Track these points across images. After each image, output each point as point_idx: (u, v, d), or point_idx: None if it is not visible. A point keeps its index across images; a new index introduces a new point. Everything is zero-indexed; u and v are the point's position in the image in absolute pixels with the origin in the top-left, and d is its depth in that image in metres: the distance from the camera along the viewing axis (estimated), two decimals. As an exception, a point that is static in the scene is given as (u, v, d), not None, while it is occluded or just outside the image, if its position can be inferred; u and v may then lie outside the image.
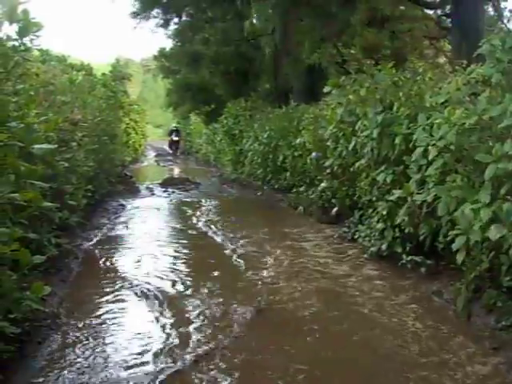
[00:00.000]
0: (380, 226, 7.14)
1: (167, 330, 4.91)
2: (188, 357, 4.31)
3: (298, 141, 11.97)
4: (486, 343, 4.48)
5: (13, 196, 3.66)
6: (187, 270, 7.15)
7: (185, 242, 8.93)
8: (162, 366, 4.18)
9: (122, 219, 10.71)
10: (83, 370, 4.05)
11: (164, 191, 15.66)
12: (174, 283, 6.37)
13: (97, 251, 7.83)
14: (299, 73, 19.14)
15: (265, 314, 5.39)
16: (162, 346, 4.53)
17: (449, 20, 16.81)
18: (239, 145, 18.62)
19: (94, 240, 8.50)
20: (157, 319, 5.20)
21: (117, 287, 6.19)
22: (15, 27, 4.40)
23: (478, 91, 5.38)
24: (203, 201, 13.63)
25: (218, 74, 22.79)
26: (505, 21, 19.37)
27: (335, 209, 9.81)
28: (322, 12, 16.15)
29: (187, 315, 5.32)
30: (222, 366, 4.18)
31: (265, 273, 6.78)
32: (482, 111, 4.78)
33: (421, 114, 6.08)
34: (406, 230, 6.39)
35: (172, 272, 6.87)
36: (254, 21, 19.70)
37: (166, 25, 23.53)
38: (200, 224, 10.28)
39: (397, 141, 6.69)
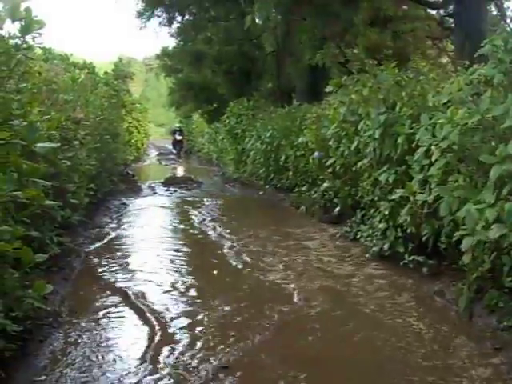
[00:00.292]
0: (382, 225, 7.13)
1: (171, 330, 4.92)
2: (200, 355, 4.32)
3: (300, 140, 11.96)
4: (488, 344, 4.47)
5: (15, 194, 3.67)
6: (190, 268, 7.17)
7: (186, 241, 8.94)
8: (164, 365, 4.19)
9: (123, 218, 10.72)
10: (85, 369, 4.05)
11: (166, 190, 15.67)
12: (176, 282, 6.38)
13: (100, 250, 7.84)
14: (302, 72, 19.12)
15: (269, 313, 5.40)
16: (164, 345, 4.53)
17: (452, 20, 16.81)
18: (241, 144, 18.61)
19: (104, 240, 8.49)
20: (161, 317, 5.20)
21: (120, 286, 6.21)
22: (17, 25, 4.40)
23: (481, 91, 5.37)
24: (205, 200, 13.62)
25: (221, 73, 22.77)
26: (508, 21, 19.37)
27: (337, 208, 9.81)
28: (325, 11, 16.11)
29: (191, 311, 5.34)
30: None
31: (268, 272, 6.77)
32: (484, 111, 4.78)
33: (423, 114, 6.08)
34: (408, 230, 6.39)
35: (175, 271, 6.89)
36: (257, 20, 19.66)
37: (169, 24, 23.49)
38: (202, 223, 10.28)
39: (399, 141, 6.69)
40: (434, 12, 19.37)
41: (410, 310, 5.42)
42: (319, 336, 4.88)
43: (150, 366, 4.12)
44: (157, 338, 4.69)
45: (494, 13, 19.19)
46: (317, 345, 4.71)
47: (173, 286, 6.24)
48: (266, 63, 22.46)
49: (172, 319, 5.17)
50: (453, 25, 15.80)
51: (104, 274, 6.69)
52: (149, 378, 3.95)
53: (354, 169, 8.45)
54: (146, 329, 4.91)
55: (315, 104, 12.81)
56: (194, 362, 4.20)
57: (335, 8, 15.88)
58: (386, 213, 6.92)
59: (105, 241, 8.44)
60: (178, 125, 35.80)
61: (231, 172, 19.89)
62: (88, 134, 8.97)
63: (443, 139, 5.20)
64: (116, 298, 5.75)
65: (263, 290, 6.14)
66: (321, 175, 10.56)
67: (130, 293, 5.89)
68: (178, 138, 33.52)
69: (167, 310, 5.44)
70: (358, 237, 8.11)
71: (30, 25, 4.38)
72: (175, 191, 15.47)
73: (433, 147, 5.42)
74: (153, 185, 16.60)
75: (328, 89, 9.26)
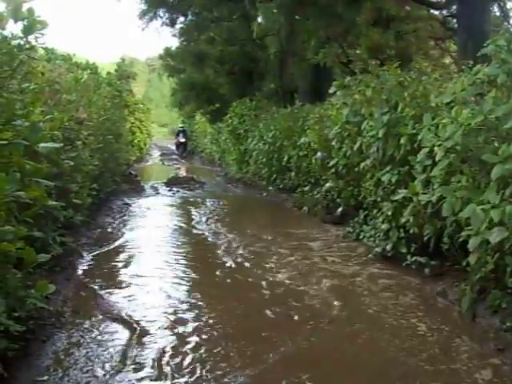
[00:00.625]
0: (385, 226, 7.13)
1: (175, 330, 4.92)
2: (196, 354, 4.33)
3: (302, 140, 11.96)
4: (491, 344, 4.47)
5: (18, 194, 3.66)
6: (193, 269, 7.16)
7: (190, 242, 8.95)
8: (166, 364, 4.19)
9: (126, 218, 10.73)
10: (88, 369, 4.05)
11: (169, 190, 15.68)
12: (179, 284, 6.39)
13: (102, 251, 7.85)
14: (304, 73, 19.10)
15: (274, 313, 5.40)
16: (167, 345, 4.54)
17: (454, 20, 16.78)
18: (244, 144, 18.63)
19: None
20: (164, 317, 5.20)
21: (123, 286, 6.22)
22: (20, 25, 4.40)
23: (484, 92, 5.37)
24: (208, 200, 13.63)
25: (224, 73, 22.79)
26: (511, 21, 19.33)
27: (340, 209, 9.81)
28: (328, 12, 16.11)
29: (193, 310, 5.35)
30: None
31: (276, 273, 6.78)
32: (488, 111, 4.77)
33: (426, 114, 6.07)
34: (411, 231, 6.38)
35: (179, 276, 6.87)
36: (260, 20, 19.65)
37: (171, 24, 23.51)
38: (205, 224, 10.28)
39: (402, 141, 6.69)
40: (436, 12, 19.35)
41: (412, 310, 5.41)
42: (328, 334, 4.91)
43: (150, 369, 4.13)
44: (161, 337, 4.70)
45: (497, 13, 19.16)
46: (324, 343, 4.71)
47: (177, 286, 6.27)
48: (269, 63, 22.45)
49: (174, 321, 5.17)
50: (455, 25, 15.75)
51: (107, 275, 6.70)
52: (149, 378, 3.96)
53: (356, 169, 8.45)
54: (150, 330, 4.91)
55: (318, 104, 12.82)
56: (213, 367, 4.21)
57: (338, 8, 15.88)
58: (389, 213, 6.92)
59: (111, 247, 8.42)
60: (181, 125, 35.49)
61: (234, 172, 19.90)
62: (91, 134, 8.97)
63: (446, 139, 5.20)
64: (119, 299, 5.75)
65: (275, 291, 6.10)
66: (323, 175, 10.56)
67: (133, 294, 5.90)
68: (182, 139, 32.91)
69: (169, 311, 5.44)
70: (361, 237, 8.12)
71: (32, 25, 4.38)
72: (178, 191, 15.48)
73: (436, 148, 5.42)
74: (155, 185, 16.61)
75: (331, 89, 9.26)
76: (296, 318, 5.28)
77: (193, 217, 11.15)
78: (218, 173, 21.92)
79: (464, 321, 5.04)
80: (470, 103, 5.35)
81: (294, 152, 12.85)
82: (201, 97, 25.64)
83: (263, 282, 6.39)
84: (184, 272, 6.92)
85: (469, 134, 5.00)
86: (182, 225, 10.50)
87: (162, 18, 22.99)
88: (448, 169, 5.33)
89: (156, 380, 3.95)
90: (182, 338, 4.70)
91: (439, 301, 5.67)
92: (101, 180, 10.46)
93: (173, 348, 4.49)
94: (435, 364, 4.21)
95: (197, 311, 5.45)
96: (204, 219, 10.77)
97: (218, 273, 6.83)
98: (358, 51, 18.57)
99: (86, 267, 6.91)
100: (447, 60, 20.70)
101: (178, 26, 24.09)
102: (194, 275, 6.87)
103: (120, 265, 7.11)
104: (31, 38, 4.54)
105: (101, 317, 5.16)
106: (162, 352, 4.39)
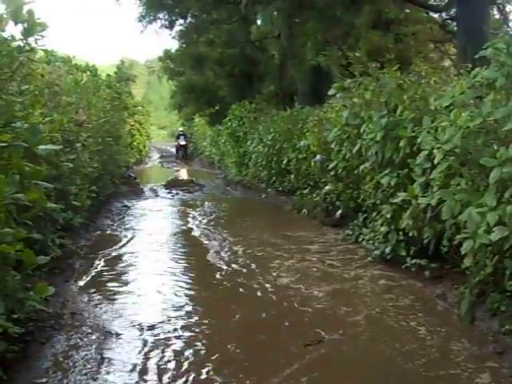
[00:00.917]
0: (384, 229, 7.13)
1: (177, 332, 4.92)
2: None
3: (302, 143, 11.97)
4: (490, 347, 4.47)
5: (17, 196, 3.67)
6: (192, 271, 7.18)
7: (188, 244, 8.94)
8: (168, 363, 4.20)
9: (125, 220, 10.73)
10: (87, 371, 4.05)
11: (168, 193, 15.70)
12: (178, 290, 6.37)
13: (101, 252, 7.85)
14: (304, 75, 19.12)
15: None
16: (168, 354, 4.54)
17: (454, 23, 16.80)
18: (243, 147, 18.64)
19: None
20: (164, 321, 5.20)
21: (122, 288, 6.22)
22: (20, 27, 4.40)
23: (483, 94, 5.37)
24: (207, 203, 13.64)
25: (223, 75, 22.81)
26: (510, 24, 19.37)
27: (339, 211, 9.81)
28: (327, 15, 16.14)
29: (193, 309, 5.35)
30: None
31: (278, 276, 6.78)
32: (486, 114, 4.78)
33: (425, 117, 6.08)
34: (410, 234, 6.38)
35: (178, 279, 6.89)
36: (259, 22, 19.70)
37: (170, 26, 23.50)
38: (203, 227, 10.27)
39: (401, 144, 6.69)
40: (436, 15, 19.38)
41: (412, 313, 5.41)
42: (332, 334, 4.90)
43: (151, 371, 4.13)
44: (162, 341, 4.71)
45: (497, 16, 19.19)
46: (326, 346, 4.71)
47: (175, 291, 6.27)
48: (269, 66, 22.48)
49: (174, 330, 5.17)
50: (455, 28, 15.78)
51: (108, 276, 6.70)
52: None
53: (355, 172, 8.45)
54: (150, 333, 4.92)
55: (317, 107, 12.82)
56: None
57: (337, 12, 15.90)
58: (388, 216, 6.92)
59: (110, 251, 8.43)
60: (181, 128, 35.32)
61: (233, 175, 19.90)
62: (90, 136, 8.98)
63: (445, 142, 5.20)
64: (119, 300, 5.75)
65: (280, 295, 6.09)
66: (323, 178, 10.56)
67: (133, 294, 5.90)
68: (182, 142, 32.53)
69: (170, 316, 5.44)
70: (360, 240, 8.11)
71: (32, 27, 4.38)
72: (177, 194, 15.50)
73: (435, 150, 5.42)
74: (155, 187, 16.63)
75: (330, 92, 9.26)
76: (296, 319, 5.29)
77: (191, 219, 11.14)
78: (217, 175, 21.92)
79: (463, 324, 5.03)
80: (469, 106, 5.35)
81: (293, 154, 12.85)
82: (200, 99, 25.66)
83: (267, 285, 6.39)
84: (183, 274, 6.93)
85: (468, 137, 5.01)
86: (181, 227, 10.48)
87: (161, 19, 22.99)
88: (447, 172, 5.33)
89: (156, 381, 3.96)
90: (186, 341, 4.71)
91: (438, 303, 5.67)
92: (100, 182, 10.46)
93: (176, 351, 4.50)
94: (434, 367, 4.20)
95: (200, 313, 5.45)
96: (203, 222, 10.77)
97: (217, 276, 6.82)
98: (357, 54, 18.58)
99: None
100: (446, 63, 20.70)
101: (177, 29, 24.12)
102: (193, 274, 6.87)
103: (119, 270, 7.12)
104: (31, 39, 4.54)
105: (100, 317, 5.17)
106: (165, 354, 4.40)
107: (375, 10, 16.56)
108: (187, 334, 4.89)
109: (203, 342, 4.73)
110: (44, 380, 3.90)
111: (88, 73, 17.56)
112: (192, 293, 6.25)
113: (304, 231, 9.58)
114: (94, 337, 4.71)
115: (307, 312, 5.51)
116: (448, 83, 7.03)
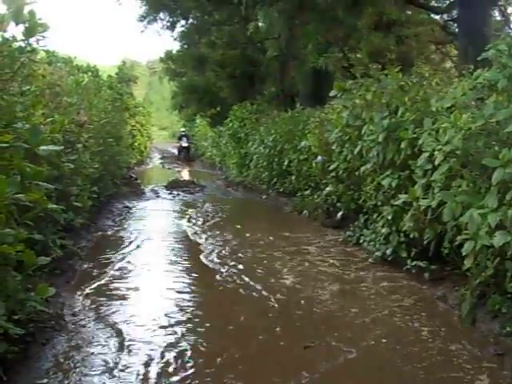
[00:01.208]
0: (385, 230, 7.13)
1: (179, 334, 4.92)
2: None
3: (303, 144, 11.96)
4: (491, 349, 4.46)
5: (18, 197, 3.66)
6: (193, 272, 7.17)
7: (188, 245, 8.93)
8: (169, 364, 4.19)
9: (126, 221, 10.73)
10: (87, 372, 4.05)
11: (169, 194, 15.70)
12: (179, 291, 6.38)
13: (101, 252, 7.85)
14: (305, 76, 19.11)
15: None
16: (170, 353, 4.54)
17: (455, 25, 16.80)
18: (244, 148, 18.63)
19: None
20: (163, 322, 5.20)
21: (123, 288, 6.22)
22: (21, 28, 4.40)
23: (485, 96, 5.37)
24: (208, 204, 13.63)
25: (224, 76, 22.81)
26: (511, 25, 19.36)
27: (340, 213, 9.80)
28: (328, 16, 16.14)
29: (192, 308, 5.35)
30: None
31: (281, 278, 6.77)
32: (488, 116, 4.78)
33: (427, 118, 6.07)
34: (411, 235, 6.38)
35: (178, 282, 6.89)
36: (260, 24, 19.68)
37: (172, 27, 23.47)
38: (204, 227, 10.28)
39: (402, 145, 6.68)
40: (437, 17, 19.39)
41: (412, 314, 5.40)
42: (335, 335, 4.89)
43: (152, 372, 4.13)
44: (162, 343, 4.71)
45: (498, 18, 19.19)
46: (327, 347, 4.70)
47: (176, 295, 6.27)
48: (270, 67, 22.47)
49: (175, 331, 5.17)
50: (456, 30, 15.78)
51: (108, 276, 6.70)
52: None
53: (357, 173, 8.44)
54: (150, 333, 4.91)
55: (318, 108, 12.81)
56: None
57: (338, 13, 15.90)
58: (389, 218, 6.92)
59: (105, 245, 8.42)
60: (183, 129, 35.15)
61: (234, 176, 19.89)
62: (91, 137, 8.98)
63: (446, 144, 5.20)
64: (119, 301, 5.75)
65: (284, 297, 6.07)
66: (324, 179, 10.55)
67: (133, 295, 5.90)
68: (185, 144, 32.35)
69: (171, 316, 5.44)
70: (361, 241, 8.10)
71: (33, 28, 4.38)
72: (178, 195, 15.49)
73: (436, 152, 5.42)
74: (156, 188, 16.63)
75: (332, 93, 9.26)
76: (297, 318, 5.29)
77: (192, 220, 11.13)
78: (218, 176, 21.91)
79: (464, 325, 5.03)
80: (471, 108, 5.35)
81: (294, 156, 12.85)
82: (201, 100, 25.65)
83: (270, 287, 6.36)
84: (183, 274, 6.93)
85: (469, 139, 5.01)
86: (181, 228, 10.47)
87: (162, 20, 22.98)
88: (448, 173, 5.32)
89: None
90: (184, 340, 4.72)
91: (439, 305, 5.67)
92: (101, 183, 10.46)
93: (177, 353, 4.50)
94: (435, 369, 4.20)
95: (201, 315, 5.46)
96: (203, 222, 10.77)
97: (218, 277, 6.81)
98: (358, 55, 18.60)
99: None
100: (448, 64, 20.71)
101: (178, 30, 24.10)
102: (194, 275, 6.87)
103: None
104: (32, 40, 4.54)
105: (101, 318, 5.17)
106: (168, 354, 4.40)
107: (377, 11, 16.58)
108: (187, 334, 4.89)
109: (205, 344, 4.73)
110: (44, 381, 3.90)
111: (89, 73, 17.59)
112: (192, 293, 6.24)
113: (305, 233, 9.57)
114: (94, 338, 4.72)
115: (314, 313, 5.52)
116: (449, 85, 7.02)
